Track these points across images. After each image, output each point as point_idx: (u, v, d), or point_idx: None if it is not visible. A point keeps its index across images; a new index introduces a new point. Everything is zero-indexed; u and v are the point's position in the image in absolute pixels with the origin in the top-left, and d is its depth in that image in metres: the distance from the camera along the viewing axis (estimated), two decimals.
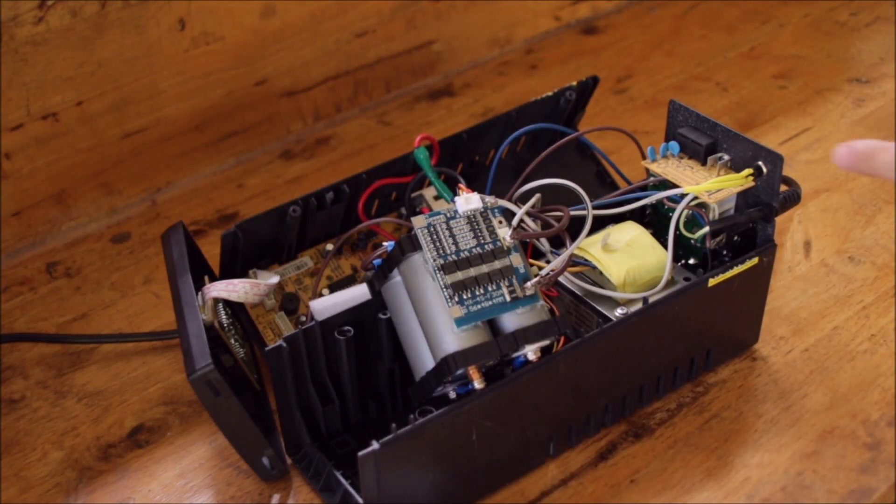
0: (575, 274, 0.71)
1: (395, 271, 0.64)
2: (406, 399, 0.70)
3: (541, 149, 0.79)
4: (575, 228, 0.65)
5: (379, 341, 0.67)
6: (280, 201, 0.75)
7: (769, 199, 0.68)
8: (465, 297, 0.62)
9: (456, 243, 0.63)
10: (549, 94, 0.81)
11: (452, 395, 0.63)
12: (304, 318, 0.74)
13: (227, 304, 0.72)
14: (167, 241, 0.72)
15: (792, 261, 0.83)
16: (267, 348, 0.64)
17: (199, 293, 0.68)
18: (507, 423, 0.63)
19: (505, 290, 0.62)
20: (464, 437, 0.61)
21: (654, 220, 0.75)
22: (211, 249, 0.81)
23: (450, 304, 0.61)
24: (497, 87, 1.09)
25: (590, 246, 0.70)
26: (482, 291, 0.62)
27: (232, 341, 0.70)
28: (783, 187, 0.70)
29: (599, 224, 0.73)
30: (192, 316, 0.65)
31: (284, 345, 0.64)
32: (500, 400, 0.61)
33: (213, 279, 0.73)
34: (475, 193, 0.65)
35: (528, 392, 0.63)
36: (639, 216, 0.75)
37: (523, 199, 0.67)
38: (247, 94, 0.98)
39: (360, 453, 0.57)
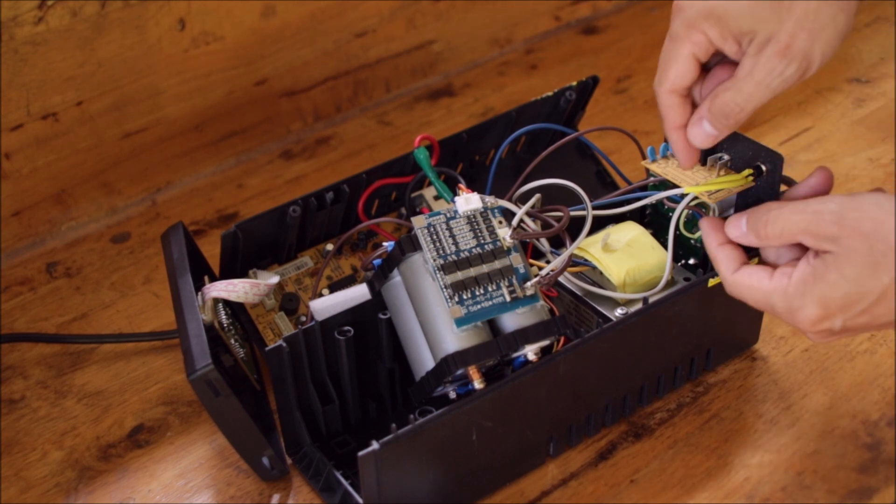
0: (575, 274, 0.71)
1: (395, 271, 0.64)
2: (406, 399, 0.70)
3: (541, 149, 0.79)
4: (575, 228, 0.65)
5: (379, 341, 0.67)
6: (280, 201, 0.75)
7: (769, 199, 0.68)
8: (465, 297, 0.62)
9: (456, 243, 0.63)
10: (549, 94, 0.81)
11: (452, 395, 0.63)
12: (304, 318, 0.74)
13: (227, 304, 0.72)
14: (167, 241, 0.72)
15: None
16: (267, 348, 0.64)
17: (199, 293, 0.68)
18: (507, 423, 0.63)
19: (505, 290, 0.62)
20: (464, 437, 0.61)
21: (654, 220, 0.75)
22: (211, 249, 0.81)
23: (450, 304, 0.61)
24: (497, 87, 1.09)
25: (590, 246, 0.70)
26: (482, 291, 0.62)
27: (232, 341, 0.70)
28: (783, 187, 0.70)
29: (599, 224, 0.73)
30: (192, 316, 0.65)
31: (284, 345, 0.64)
32: (500, 400, 0.61)
33: (213, 279, 0.73)
34: (475, 193, 0.65)
35: (528, 392, 0.63)
36: (639, 216, 0.75)
37: (523, 199, 0.67)
38: (247, 94, 0.98)
39: (360, 453, 0.57)
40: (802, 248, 0.61)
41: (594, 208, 0.68)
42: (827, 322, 0.58)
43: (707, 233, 0.64)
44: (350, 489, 0.64)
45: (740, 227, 0.62)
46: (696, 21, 0.60)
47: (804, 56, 0.59)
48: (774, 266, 0.61)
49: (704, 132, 0.63)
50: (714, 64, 0.64)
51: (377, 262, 0.66)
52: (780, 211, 0.60)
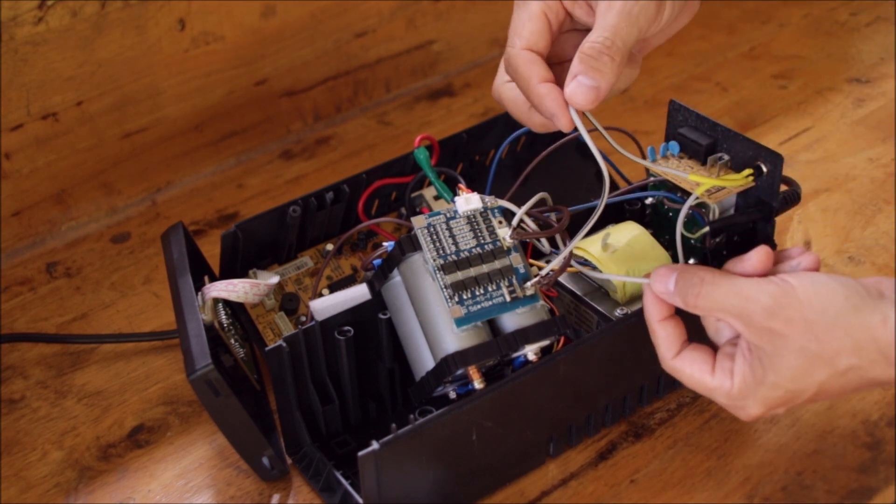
0: (575, 274, 0.71)
1: (395, 271, 0.64)
2: (406, 399, 0.70)
3: (541, 149, 0.79)
4: (575, 228, 0.65)
5: (379, 341, 0.67)
6: (280, 201, 0.75)
7: (769, 199, 0.68)
8: (464, 297, 0.62)
9: (456, 243, 0.63)
10: None
11: (452, 395, 0.63)
12: (304, 318, 0.74)
13: (227, 304, 0.72)
14: (167, 241, 0.72)
15: None
16: (267, 348, 0.64)
17: (199, 293, 0.68)
18: (507, 423, 0.63)
19: (505, 290, 0.62)
20: (464, 437, 0.61)
21: (654, 220, 0.75)
22: (211, 249, 0.81)
23: (450, 304, 0.61)
24: None
25: (590, 246, 0.70)
26: (482, 291, 0.62)
27: (232, 341, 0.70)
28: (783, 187, 0.70)
29: (599, 224, 0.73)
30: (192, 316, 0.65)
31: (284, 345, 0.64)
32: (500, 400, 0.61)
33: (213, 279, 0.73)
34: (475, 193, 0.65)
35: (528, 392, 0.63)
36: (639, 216, 0.75)
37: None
38: (247, 94, 0.98)
39: (360, 453, 0.57)
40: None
41: (594, 209, 0.68)
42: (768, 414, 0.59)
43: (651, 306, 0.62)
44: (350, 489, 0.64)
45: (668, 285, 0.61)
46: None
47: None
48: (712, 345, 0.61)
49: (584, 86, 0.59)
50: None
51: (377, 262, 0.66)
52: (714, 287, 0.59)
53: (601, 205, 0.62)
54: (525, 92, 0.61)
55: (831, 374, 0.56)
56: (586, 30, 0.61)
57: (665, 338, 0.61)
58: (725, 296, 0.59)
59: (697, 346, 0.61)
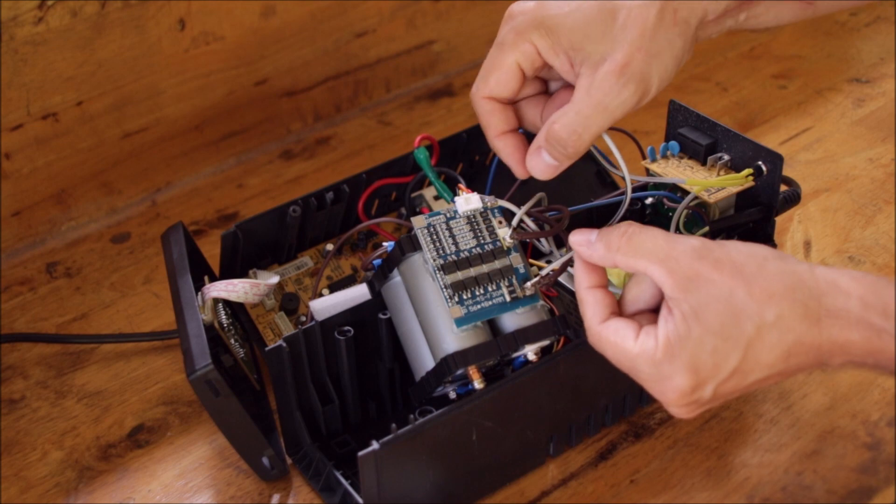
0: None
1: (395, 271, 0.64)
2: (406, 399, 0.70)
3: None
4: (575, 228, 0.65)
5: (379, 341, 0.67)
6: (280, 201, 0.75)
7: (769, 199, 0.68)
8: (464, 297, 0.62)
9: (456, 243, 0.63)
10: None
11: (452, 395, 0.63)
12: (304, 318, 0.74)
13: (227, 304, 0.72)
14: (167, 241, 0.72)
15: None
16: (267, 348, 0.64)
17: (199, 293, 0.68)
18: (507, 423, 0.63)
19: (505, 290, 0.62)
20: (464, 437, 0.61)
21: (654, 220, 0.75)
22: (211, 249, 0.81)
23: (450, 304, 0.61)
24: None
25: None
26: (482, 291, 0.62)
27: (232, 341, 0.70)
28: (783, 187, 0.70)
29: (599, 224, 0.73)
30: (192, 316, 0.65)
31: (284, 345, 0.64)
32: (500, 400, 0.61)
33: (213, 279, 0.73)
34: (475, 193, 0.65)
35: (528, 392, 0.63)
36: (639, 216, 0.75)
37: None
38: (247, 94, 0.98)
39: (360, 453, 0.57)
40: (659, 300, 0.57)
41: (594, 209, 0.68)
42: (698, 392, 0.54)
43: (580, 272, 0.58)
44: (350, 489, 0.64)
45: (589, 236, 0.58)
46: (525, 30, 0.58)
47: (642, 77, 0.56)
48: (634, 319, 0.57)
49: (544, 163, 0.59)
50: (557, 89, 0.62)
51: (377, 262, 0.66)
52: (640, 230, 0.56)
53: (624, 206, 0.62)
54: (486, 135, 0.62)
55: (759, 326, 0.52)
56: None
57: (593, 304, 0.57)
58: (651, 238, 0.55)
59: (625, 318, 0.57)
